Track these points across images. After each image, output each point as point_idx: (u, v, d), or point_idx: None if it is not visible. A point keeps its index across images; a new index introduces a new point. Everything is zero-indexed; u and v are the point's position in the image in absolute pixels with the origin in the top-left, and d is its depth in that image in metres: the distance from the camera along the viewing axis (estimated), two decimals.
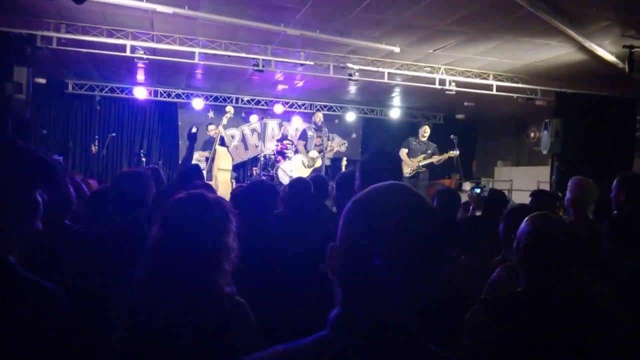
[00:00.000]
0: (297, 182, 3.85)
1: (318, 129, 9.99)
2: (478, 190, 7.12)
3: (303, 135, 10.16)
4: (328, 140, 10.12)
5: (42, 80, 9.95)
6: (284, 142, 10.43)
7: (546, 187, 9.62)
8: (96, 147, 10.86)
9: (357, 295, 0.88)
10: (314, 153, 9.85)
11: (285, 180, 9.96)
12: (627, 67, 6.82)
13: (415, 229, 0.88)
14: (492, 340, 1.64)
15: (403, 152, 9.15)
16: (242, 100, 12.25)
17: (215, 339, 1.59)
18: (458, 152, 9.31)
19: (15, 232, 1.25)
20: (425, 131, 9.23)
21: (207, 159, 9.69)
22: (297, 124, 12.31)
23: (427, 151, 9.17)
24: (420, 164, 9.08)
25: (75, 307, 1.28)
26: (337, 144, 10.74)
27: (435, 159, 9.17)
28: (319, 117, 10.10)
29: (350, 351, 0.85)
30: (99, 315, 2.21)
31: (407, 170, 8.96)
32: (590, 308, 1.71)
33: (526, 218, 1.83)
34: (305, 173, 9.60)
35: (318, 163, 9.84)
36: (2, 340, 1.13)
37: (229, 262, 1.69)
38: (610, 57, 7.11)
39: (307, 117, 12.67)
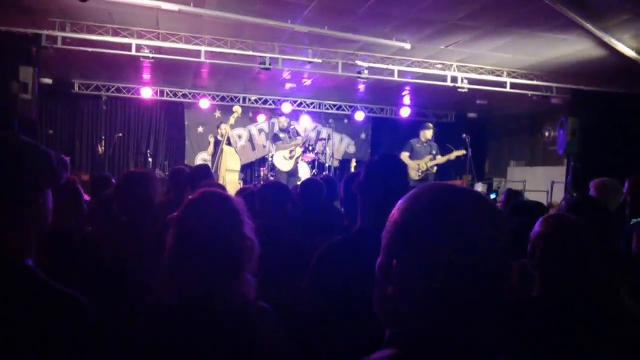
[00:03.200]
0: (309, 183, 3.79)
1: (285, 130, 10.17)
2: (494, 196, 6.92)
3: (276, 138, 10.17)
4: (297, 137, 10.28)
5: (48, 80, 9.92)
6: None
7: (561, 187, 9.45)
8: (102, 148, 10.79)
9: (430, 311, 0.84)
10: (289, 145, 9.97)
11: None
12: None
13: (493, 238, 0.85)
14: (505, 345, 1.58)
15: (405, 156, 9.04)
16: (250, 100, 12.14)
17: (238, 346, 1.54)
18: (464, 151, 9.28)
19: (32, 233, 1.21)
20: (429, 132, 9.24)
21: (213, 155, 9.55)
22: (305, 124, 12.16)
23: (432, 152, 9.15)
24: (429, 165, 9.03)
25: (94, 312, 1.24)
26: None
27: (444, 159, 9.17)
28: (282, 121, 10.33)
29: None
30: (106, 317, 2.13)
31: (414, 174, 8.86)
32: (610, 315, 1.66)
33: (540, 219, 1.78)
34: (289, 164, 9.90)
35: (298, 152, 10.06)
36: (21, 349, 1.09)
37: (252, 261, 1.65)
38: (630, 53, 6.90)
39: (316, 116, 12.57)
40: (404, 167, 2.12)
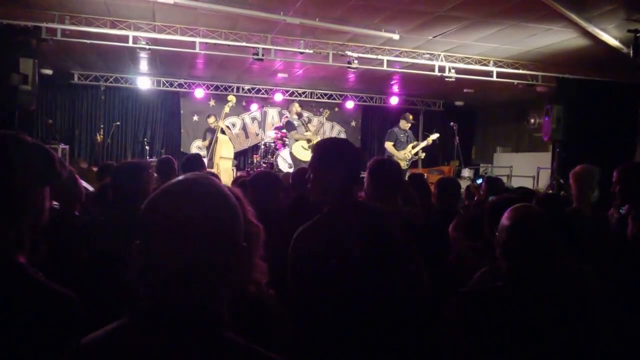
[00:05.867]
0: (299, 171, 3.86)
1: (299, 117, 10.12)
2: (480, 181, 7.00)
3: (291, 126, 10.09)
4: (308, 123, 10.31)
5: (48, 71, 10.12)
6: (283, 130, 10.47)
7: (547, 173, 9.72)
8: (101, 136, 11.04)
9: (149, 285, 0.90)
10: (310, 135, 9.93)
11: (284, 167, 10.04)
12: (631, 52, 6.65)
13: (189, 216, 0.90)
14: (467, 331, 1.65)
15: (389, 145, 9.16)
16: (243, 89, 12.35)
17: (255, 330, 1.56)
18: (437, 134, 9.49)
19: (28, 229, 1.21)
20: (408, 123, 9.33)
21: (207, 147, 9.76)
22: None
23: (412, 140, 9.33)
24: (413, 152, 9.18)
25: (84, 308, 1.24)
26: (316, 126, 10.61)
27: (423, 145, 9.33)
28: (296, 107, 10.13)
29: (146, 339, 0.87)
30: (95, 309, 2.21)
31: (402, 164, 8.85)
32: (573, 305, 1.66)
33: (506, 212, 1.77)
34: (309, 154, 9.65)
35: (315, 140, 9.79)
36: (7, 346, 1.08)
37: None
38: (614, 42, 6.95)
39: (307, 105, 12.72)
40: (350, 146, 2.23)
